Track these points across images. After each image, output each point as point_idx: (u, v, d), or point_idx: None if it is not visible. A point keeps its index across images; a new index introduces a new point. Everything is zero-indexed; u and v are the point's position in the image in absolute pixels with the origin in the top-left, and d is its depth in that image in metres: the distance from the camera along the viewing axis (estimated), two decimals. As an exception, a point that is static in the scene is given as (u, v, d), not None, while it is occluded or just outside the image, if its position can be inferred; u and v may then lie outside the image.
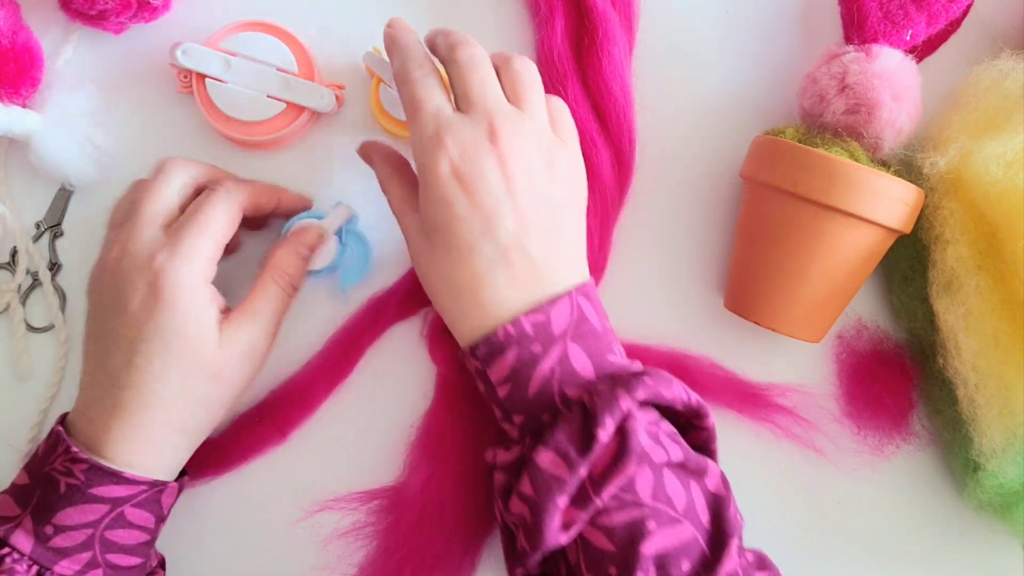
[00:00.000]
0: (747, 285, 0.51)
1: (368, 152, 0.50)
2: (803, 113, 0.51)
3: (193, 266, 0.45)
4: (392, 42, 0.47)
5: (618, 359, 0.45)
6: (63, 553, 0.43)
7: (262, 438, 0.52)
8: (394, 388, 0.54)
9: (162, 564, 0.49)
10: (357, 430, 0.53)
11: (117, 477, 0.43)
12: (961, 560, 0.54)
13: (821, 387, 0.54)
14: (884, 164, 0.50)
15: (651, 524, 0.41)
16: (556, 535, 0.41)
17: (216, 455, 0.52)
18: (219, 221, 0.46)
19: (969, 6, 0.51)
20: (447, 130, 0.43)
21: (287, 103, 0.52)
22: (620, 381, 0.42)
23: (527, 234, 0.43)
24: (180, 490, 0.47)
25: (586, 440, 0.41)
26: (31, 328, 0.54)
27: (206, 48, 0.51)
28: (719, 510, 0.43)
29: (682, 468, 0.43)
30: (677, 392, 0.44)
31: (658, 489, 0.41)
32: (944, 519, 0.54)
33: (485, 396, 0.46)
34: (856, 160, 0.47)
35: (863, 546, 0.54)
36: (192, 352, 0.45)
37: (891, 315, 0.55)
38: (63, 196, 0.54)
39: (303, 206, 0.53)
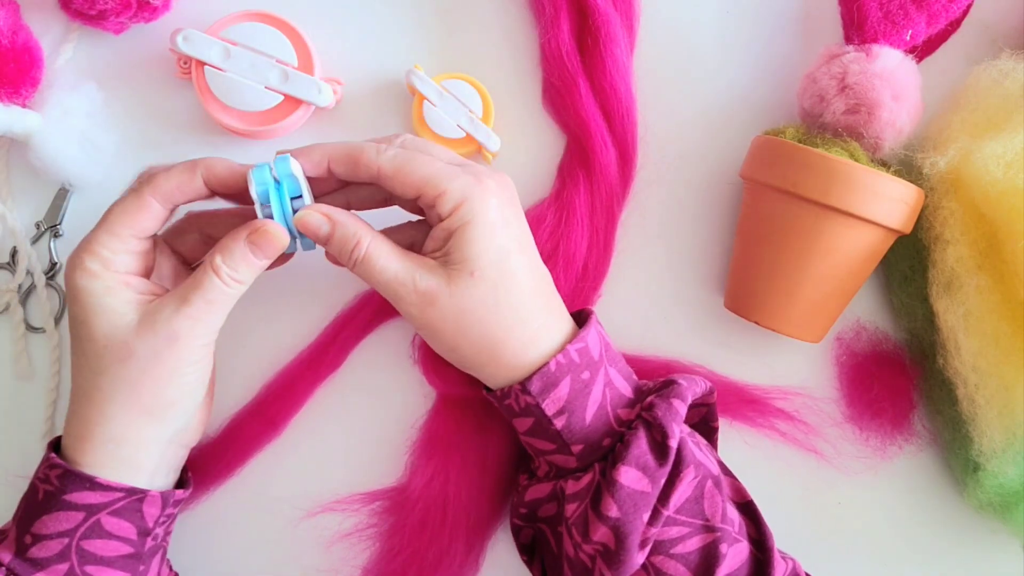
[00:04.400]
0: (747, 285, 0.51)
1: (325, 221, 0.44)
2: (803, 113, 0.51)
3: (84, 256, 0.43)
4: (330, 155, 0.44)
5: (634, 376, 0.47)
6: (39, 564, 0.42)
7: (256, 434, 0.52)
8: (393, 387, 0.54)
9: None
10: (356, 430, 0.53)
11: (91, 482, 0.42)
12: (961, 560, 0.54)
13: (821, 388, 0.54)
14: (884, 164, 0.50)
15: (723, 547, 0.43)
16: (636, 555, 0.42)
17: (215, 458, 0.52)
18: (114, 212, 0.44)
19: (969, 6, 0.51)
20: (476, 173, 0.44)
21: (285, 95, 0.52)
22: (666, 391, 0.44)
23: (539, 259, 0.46)
24: (166, 503, 0.45)
25: (661, 451, 0.42)
26: (31, 328, 0.54)
27: (207, 35, 0.51)
28: (756, 517, 0.45)
29: (729, 479, 0.46)
30: (702, 384, 0.46)
31: (726, 510, 0.43)
32: (944, 519, 0.54)
33: (527, 432, 0.45)
34: (856, 160, 0.47)
35: (863, 546, 0.54)
36: (97, 336, 0.42)
37: (891, 315, 0.55)
38: (62, 196, 0.54)
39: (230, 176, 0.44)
